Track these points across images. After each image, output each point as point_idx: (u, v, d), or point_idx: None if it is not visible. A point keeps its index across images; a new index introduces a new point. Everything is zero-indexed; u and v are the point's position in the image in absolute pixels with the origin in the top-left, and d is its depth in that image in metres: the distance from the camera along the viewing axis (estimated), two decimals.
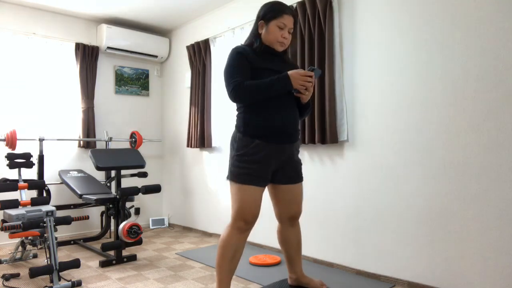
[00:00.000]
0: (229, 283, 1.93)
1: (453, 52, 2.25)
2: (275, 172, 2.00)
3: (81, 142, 4.13)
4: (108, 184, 3.93)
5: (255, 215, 1.91)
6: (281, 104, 1.94)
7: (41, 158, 3.56)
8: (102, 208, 4.10)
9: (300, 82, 1.87)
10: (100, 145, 4.29)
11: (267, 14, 1.97)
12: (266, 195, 2.89)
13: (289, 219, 2.10)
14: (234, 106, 2.08)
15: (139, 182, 4.48)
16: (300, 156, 3.09)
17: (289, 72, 1.88)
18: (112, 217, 3.28)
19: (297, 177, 2.06)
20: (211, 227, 4.04)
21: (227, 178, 1.97)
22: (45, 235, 2.58)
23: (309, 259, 3.04)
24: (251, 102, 1.93)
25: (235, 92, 1.88)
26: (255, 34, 2.02)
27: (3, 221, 2.77)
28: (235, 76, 1.90)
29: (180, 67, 4.55)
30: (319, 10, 2.83)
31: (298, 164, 2.07)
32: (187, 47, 4.21)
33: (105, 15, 4.13)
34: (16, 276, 2.69)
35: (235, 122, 2.02)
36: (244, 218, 1.89)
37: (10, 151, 3.57)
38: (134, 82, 4.59)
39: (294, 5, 3.03)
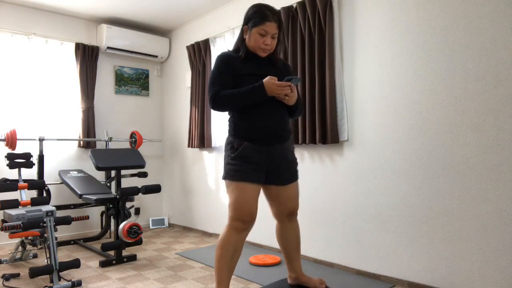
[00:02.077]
0: (228, 283, 1.93)
1: (453, 52, 2.25)
2: (269, 172, 2.00)
3: (81, 142, 4.13)
4: (108, 184, 3.93)
5: (252, 213, 1.91)
6: (267, 108, 1.95)
7: (41, 158, 3.56)
8: (102, 208, 4.10)
9: (276, 91, 1.87)
10: (100, 145, 4.29)
11: (250, 20, 1.96)
12: (262, 195, 2.89)
13: (287, 216, 2.12)
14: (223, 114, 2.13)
15: (139, 182, 4.48)
16: (300, 156, 3.09)
17: (265, 81, 1.87)
18: (112, 217, 3.28)
19: (292, 178, 2.07)
20: (211, 227, 4.04)
21: (223, 177, 2.00)
22: (45, 235, 2.58)
23: (309, 259, 3.04)
24: (229, 111, 1.99)
25: (212, 101, 1.94)
26: (241, 39, 2.02)
27: (3, 221, 2.77)
28: (215, 85, 1.94)
29: (180, 67, 4.55)
30: (319, 10, 2.83)
31: (292, 164, 2.07)
32: (187, 47, 4.21)
33: (105, 15, 4.13)
34: (16, 276, 2.69)
35: (227, 127, 2.06)
36: (241, 218, 1.89)
37: (10, 151, 3.57)
38: (134, 82, 4.59)
39: (294, 5, 3.03)
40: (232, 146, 1.96)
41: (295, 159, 2.11)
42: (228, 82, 1.95)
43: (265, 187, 2.08)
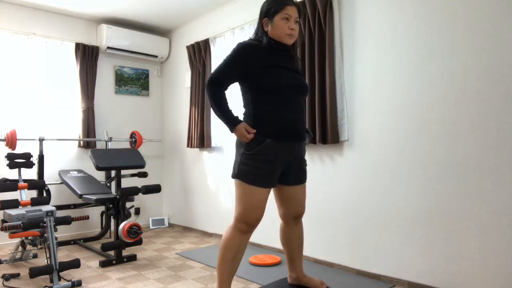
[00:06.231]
0: (229, 284, 1.93)
1: (453, 51, 2.25)
2: (282, 172, 1.98)
3: (81, 142, 4.13)
4: (108, 184, 3.93)
5: (259, 218, 1.90)
6: (290, 104, 1.91)
7: (41, 158, 3.55)
8: (102, 208, 4.10)
9: (242, 139, 1.89)
10: (100, 145, 4.29)
11: (270, 9, 1.92)
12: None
13: (294, 218, 2.11)
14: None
15: (139, 182, 4.48)
16: None
17: (239, 126, 1.87)
18: (112, 217, 3.28)
19: (303, 178, 2.07)
20: (211, 227, 4.04)
21: (233, 176, 1.93)
22: (45, 235, 2.58)
23: (310, 259, 3.04)
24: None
25: (206, 87, 1.94)
26: (262, 32, 1.96)
27: (3, 221, 2.77)
28: (219, 74, 1.93)
29: (180, 67, 4.55)
30: (319, 10, 2.83)
31: (305, 165, 2.07)
32: (187, 47, 4.21)
33: (105, 15, 4.13)
34: (16, 276, 2.69)
35: (242, 118, 1.97)
36: (247, 221, 1.88)
37: (10, 151, 3.57)
38: (134, 82, 4.59)
39: None
40: (250, 142, 1.87)
41: (305, 159, 2.10)
42: (232, 76, 1.93)
43: (278, 187, 2.05)
